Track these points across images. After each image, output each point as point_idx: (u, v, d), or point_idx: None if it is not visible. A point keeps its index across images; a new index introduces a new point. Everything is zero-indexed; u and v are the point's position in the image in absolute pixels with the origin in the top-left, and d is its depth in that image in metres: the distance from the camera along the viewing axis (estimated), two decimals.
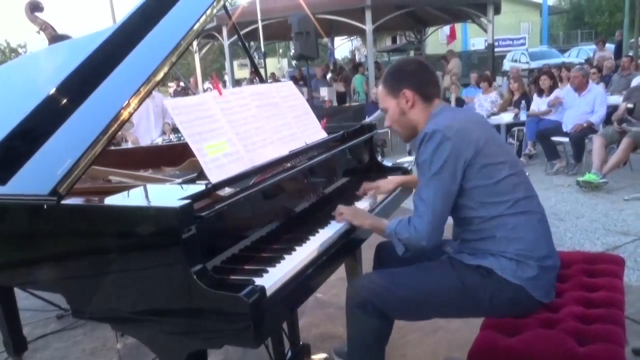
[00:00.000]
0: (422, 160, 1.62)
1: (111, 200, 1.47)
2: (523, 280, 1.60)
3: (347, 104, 10.56)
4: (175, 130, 5.56)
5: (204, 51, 16.11)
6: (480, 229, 1.65)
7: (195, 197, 1.39)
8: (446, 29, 17.67)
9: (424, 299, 1.69)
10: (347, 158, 2.37)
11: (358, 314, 1.69)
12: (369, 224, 1.80)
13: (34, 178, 1.62)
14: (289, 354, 2.24)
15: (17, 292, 2.42)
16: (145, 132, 5.50)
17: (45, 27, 3.24)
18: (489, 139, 1.62)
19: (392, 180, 2.26)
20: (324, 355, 2.38)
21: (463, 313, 1.78)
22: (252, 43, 13.36)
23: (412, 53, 18.61)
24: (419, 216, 1.61)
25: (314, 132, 2.17)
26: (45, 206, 1.47)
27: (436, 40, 21.36)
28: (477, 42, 23.91)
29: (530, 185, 1.72)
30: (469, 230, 1.69)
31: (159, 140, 5.02)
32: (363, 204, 2.05)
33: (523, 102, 6.55)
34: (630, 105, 5.25)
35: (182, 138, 3.81)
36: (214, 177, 1.54)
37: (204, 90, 13.50)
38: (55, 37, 3.13)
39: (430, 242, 1.60)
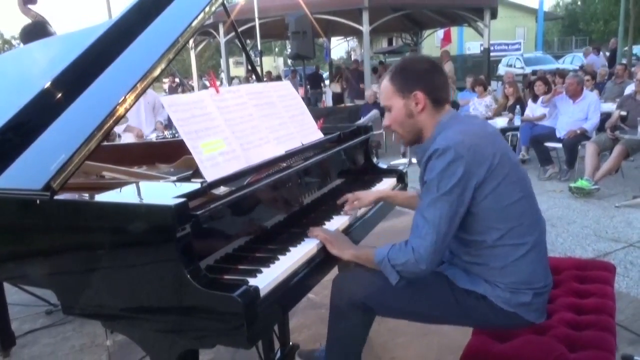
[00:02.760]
0: (429, 178, 1.50)
1: (105, 197, 1.46)
2: (517, 306, 1.56)
3: (343, 105, 10.56)
4: (167, 127, 5.55)
5: (199, 48, 16.05)
6: (478, 254, 1.58)
7: (191, 196, 1.38)
8: (441, 32, 17.72)
9: (414, 307, 1.65)
10: (343, 159, 2.37)
11: (342, 307, 1.65)
12: (352, 254, 1.66)
13: (27, 172, 1.60)
14: (279, 354, 2.24)
15: (6, 286, 2.39)
16: (136, 127, 5.51)
17: (38, 19, 3.21)
18: (503, 155, 1.50)
19: (373, 193, 2.08)
20: None
21: (452, 324, 1.74)
22: (248, 41, 13.33)
23: (407, 55, 18.64)
24: (420, 237, 1.49)
25: (311, 132, 2.16)
26: (37, 201, 1.45)
27: (432, 42, 21.43)
28: (473, 46, 24.04)
29: (536, 207, 1.63)
30: (467, 253, 1.61)
31: (152, 137, 5.00)
32: (341, 220, 1.90)
33: (517, 107, 6.59)
34: (623, 113, 5.29)
35: (176, 134, 3.80)
36: (210, 175, 1.53)
37: (199, 87, 13.47)
38: (32, 24, 3.09)
39: (430, 266, 1.51)
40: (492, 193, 1.49)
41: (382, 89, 1.67)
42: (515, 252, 1.54)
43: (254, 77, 2.65)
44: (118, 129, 5.33)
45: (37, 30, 3.13)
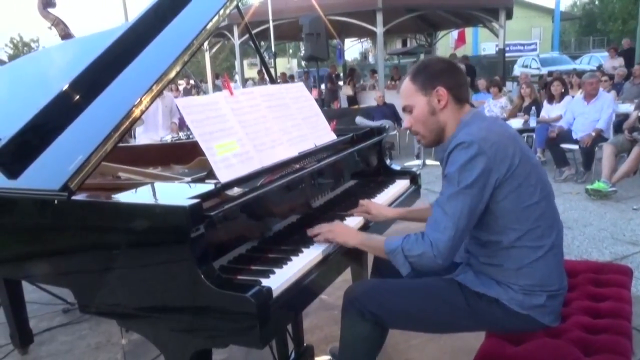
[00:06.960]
0: (450, 171, 1.48)
1: (121, 197, 1.48)
2: (530, 308, 1.54)
3: (357, 106, 10.55)
4: (182, 128, 5.62)
5: (214, 50, 16.16)
6: (494, 255, 1.56)
7: (205, 197, 1.39)
8: (455, 33, 17.63)
9: (427, 314, 1.63)
10: (356, 161, 2.37)
11: (354, 319, 1.64)
12: (358, 241, 1.66)
13: (45, 173, 1.63)
14: (293, 355, 2.25)
15: (24, 285, 2.44)
16: (153, 130, 5.61)
17: (57, 23, 3.26)
18: (523, 156, 1.49)
19: (390, 210, 2.02)
20: (327, 357, 2.38)
21: (464, 330, 1.73)
22: (262, 43, 13.39)
23: (422, 56, 18.59)
24: (439, 231, 1.47)
25: (324, 133, 2.17)
26: (55, 201, 1.48)
27: (447, 43, 21.33)
28: (488, 46, 23.86)
29: (555, 209, 1.61)
30: (483, 253, 1.60)
31: (167, 138, 5.06)
32: (355, 220, 1.91)
33: (533, 108, 6.53)
34: None
35: (190, 135, 3.84)
36: (223, 176, 1.54)
37: (214, 88, 13.57)
38: (68, 37, 3.15)
39: (446, 261, 1.49)
40: (512, 194, 1.48)
41: (402, 90, 1.66)
42: (532, 254, 1.53)
43: (267, 78, 2.66)
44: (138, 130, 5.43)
45: None
